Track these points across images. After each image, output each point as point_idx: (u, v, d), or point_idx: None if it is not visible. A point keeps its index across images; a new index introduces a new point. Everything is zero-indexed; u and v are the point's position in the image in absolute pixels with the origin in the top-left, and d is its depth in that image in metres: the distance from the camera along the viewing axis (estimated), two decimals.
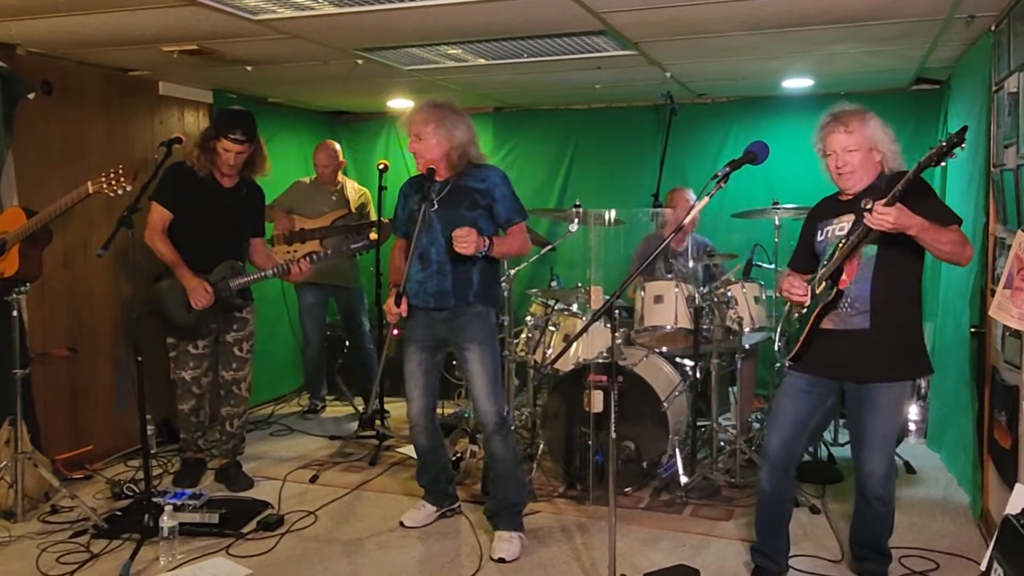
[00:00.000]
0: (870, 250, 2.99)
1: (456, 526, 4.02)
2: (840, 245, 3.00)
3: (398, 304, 3.66)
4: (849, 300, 3.00)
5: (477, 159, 3.72)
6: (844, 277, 3.00)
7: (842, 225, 3.09)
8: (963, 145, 2.58)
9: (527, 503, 3.84)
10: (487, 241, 3.55)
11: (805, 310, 3.12)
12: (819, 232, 3.20)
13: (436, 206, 3.61)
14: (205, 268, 4.27)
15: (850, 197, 3.09)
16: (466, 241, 3.45)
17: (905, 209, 2.70)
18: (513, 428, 4.85)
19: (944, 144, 2.59)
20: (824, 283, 3.03)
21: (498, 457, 3.74)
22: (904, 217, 2.70)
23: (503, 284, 4.88)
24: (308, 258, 4.33)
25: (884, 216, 2.69)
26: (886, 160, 3.05)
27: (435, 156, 3.62)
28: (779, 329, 3.48)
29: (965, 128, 2.59)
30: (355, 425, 5.56)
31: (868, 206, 2.72)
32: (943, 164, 2.67)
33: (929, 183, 2.95)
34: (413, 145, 3.65)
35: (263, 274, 4.35)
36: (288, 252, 5.84)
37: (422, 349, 3.79)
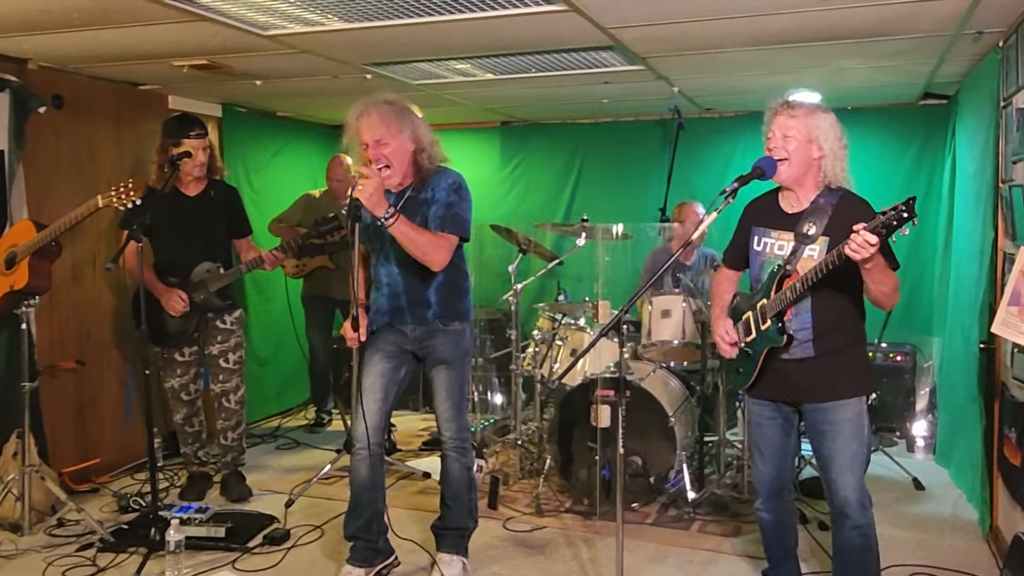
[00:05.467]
0: None
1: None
2: (782, 272, 2.88)
3: (356, 327, 3.26)
4: (793, 332, 2.91)
5: (441, 160, 3.35)
6: (787, 310, 2.91)
7: (781, 244, 2.96)
8: (915, 221, 2.46)
9: (472, 530, 3.64)
10: (392, 209, 3.09)
11: (752, 348, 3.01)
12: (755, 238, 3.05)
13: (384, 222, 3.14)
14: (184, 278, 4.35)
15: (792, 212, 2.96)
16: (366, 187, 3.02)
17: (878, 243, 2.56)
18: (521, 443, 4.88)
19: (893, 215, 2.45)
20: (770, 320, 2.91)
21: (452, 478, 3.51)
22: (875, 251, 2.56)
23: (510, 298, 4.89)
24: (280, 247, 4.37)
25: (870, 247, 2.51)
26: (826, 163, 2.87)
27: (405, 163, 3.24)
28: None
29: (914, 199, 2.47)
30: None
31: (856, 230, 2.53)
32: (892, 238, 2.51)
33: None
34: (376, 151, 3.16)
35: (239, 269, 4.38)
36: (297, 266, 5.85)
37: (387, 357, 3.44)
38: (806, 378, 2.94)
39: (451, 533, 3.60)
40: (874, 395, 3.13)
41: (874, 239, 2.50)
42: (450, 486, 3.55)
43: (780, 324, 2.90)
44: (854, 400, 2.93)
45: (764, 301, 2.95)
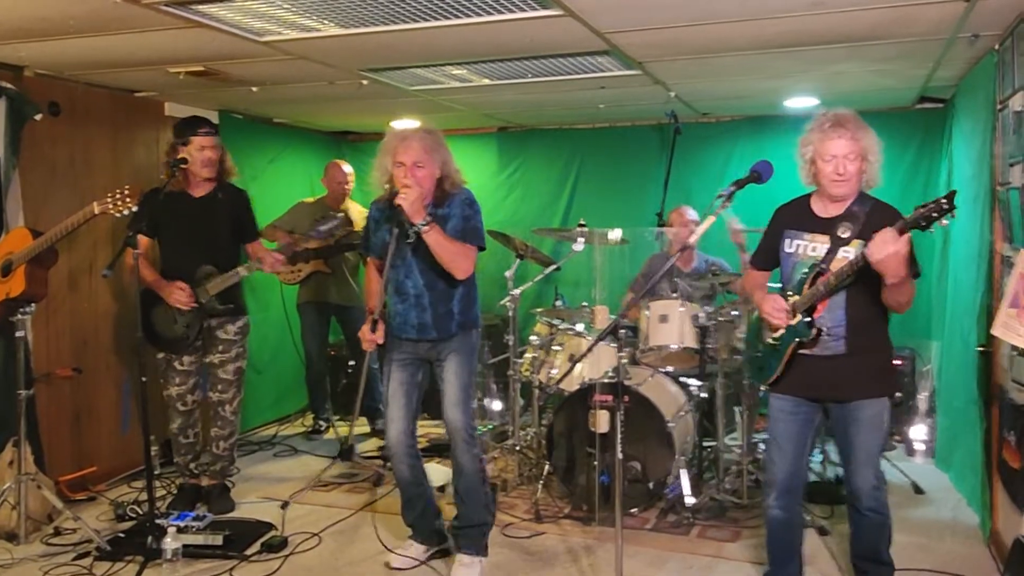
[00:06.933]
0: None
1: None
2: (817, 270, 2.98)
3: (374, 330, 3.55)
4: (825, 328, 2.99)
5: (459, 185, 3.62)
6: (818, 306, 3.00)
7: (815, 246, 3.05)
8: (954, 212, 2.60)
9: (491, 525, 3.70)
10: (429, 217, 3.40)
11: (780, 342, 3.08)
12: (787, 241, 3.14)
13: (413, 238, 3.45)
14: (186, 280, 4.31)
15: (826, 216, 3.05)
16: (409, 195, 3.32)
17: (907, 250, 2.70)
18: (519, 449, 4.87)
19: (934, 208, 2.62)
20: (800, 315, 3.01)
21: (465, 470, 3.61)
22: (901, 259, 2.69)
23: (508, 304, 4.89)
24: (281, 248, 4.38)
25: (896, 244, 2.65)
26: (869, 171, 3.00)
27: (431, 185, 3.51)
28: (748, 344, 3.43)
29: (954, 192, 2.60)
30: (362, 445, 5.54)
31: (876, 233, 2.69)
32: (931, 229, 2.68)
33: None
34: (412, 172, 3.43)
35: (237, 272, 4.31)
36: (292, 271, 5.84)
37: (403, 367, 3.67)
38: (835, 375, 3.03)
39: (470, 531, 3.64)
40: (898, 394, 3.30)
41: (891, 235, 2.65)
42: (464, 478, 3.62)
43: (810, 319, 3.00)
44: (880, 400, 3.05)
45: (796, 297, 3.04)
